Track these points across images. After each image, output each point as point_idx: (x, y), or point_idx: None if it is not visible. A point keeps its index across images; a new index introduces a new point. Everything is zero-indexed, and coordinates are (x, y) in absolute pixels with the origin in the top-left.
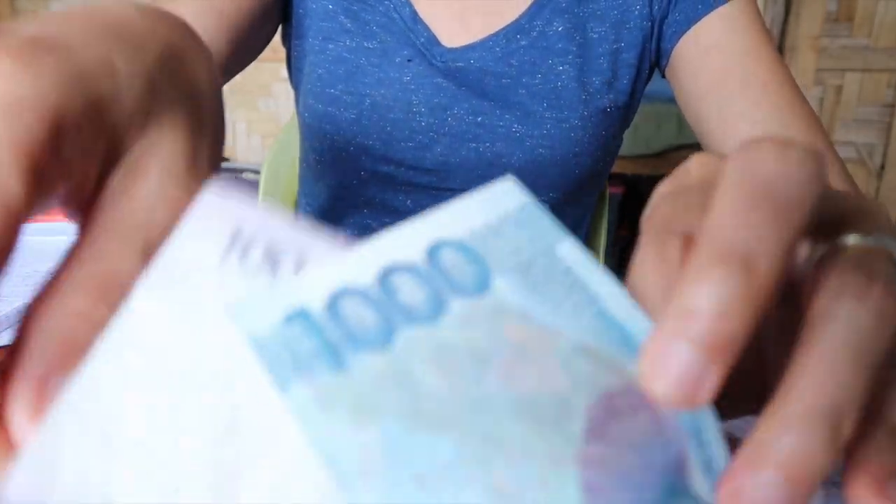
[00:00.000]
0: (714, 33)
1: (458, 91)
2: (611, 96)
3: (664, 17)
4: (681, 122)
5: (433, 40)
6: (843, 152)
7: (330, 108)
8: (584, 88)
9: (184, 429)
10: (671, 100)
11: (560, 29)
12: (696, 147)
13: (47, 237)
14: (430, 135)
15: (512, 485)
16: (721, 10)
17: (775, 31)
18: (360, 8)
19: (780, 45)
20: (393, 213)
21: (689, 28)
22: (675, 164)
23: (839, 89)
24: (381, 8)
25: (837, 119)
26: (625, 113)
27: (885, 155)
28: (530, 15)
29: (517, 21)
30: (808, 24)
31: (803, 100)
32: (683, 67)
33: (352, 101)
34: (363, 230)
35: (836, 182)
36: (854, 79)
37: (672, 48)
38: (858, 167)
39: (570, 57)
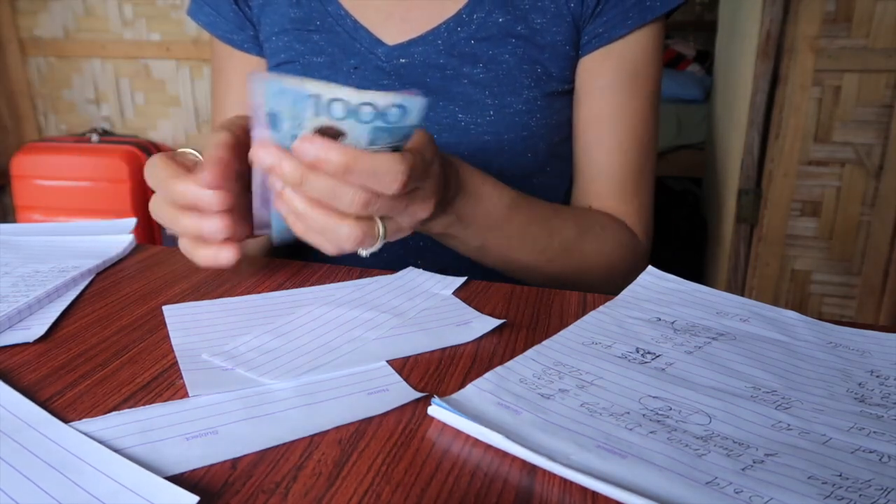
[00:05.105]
0: (608, 73)
1: (403, 88)
2: (555, 83)
3: (585, 24)
4: (680, 123)
5: (376, 42)
6: (842, 153)
7: None
8: (528, 75)
9: None
10: (671, 100)
11: (500, 20)
12: (695, 147)
13: (48, 237)
14: None
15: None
16: (628, 39)
17: (774, 32)
18: (309, 31)
19: (779, 46)
20: None
21: (600, 48)
22: (676, 163)
23: (837, 90)
24: (325, 25)
25: (836, 120)
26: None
27: (883, 155)
28: (470, 8)
29: (458, 14)
30: (806, 25)
31: (650, 140)
32: (579, 86)
33: None
34: None
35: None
36: (852, 79)
37: (582, 56)
38: (857, 168)
39: (509, 47)
